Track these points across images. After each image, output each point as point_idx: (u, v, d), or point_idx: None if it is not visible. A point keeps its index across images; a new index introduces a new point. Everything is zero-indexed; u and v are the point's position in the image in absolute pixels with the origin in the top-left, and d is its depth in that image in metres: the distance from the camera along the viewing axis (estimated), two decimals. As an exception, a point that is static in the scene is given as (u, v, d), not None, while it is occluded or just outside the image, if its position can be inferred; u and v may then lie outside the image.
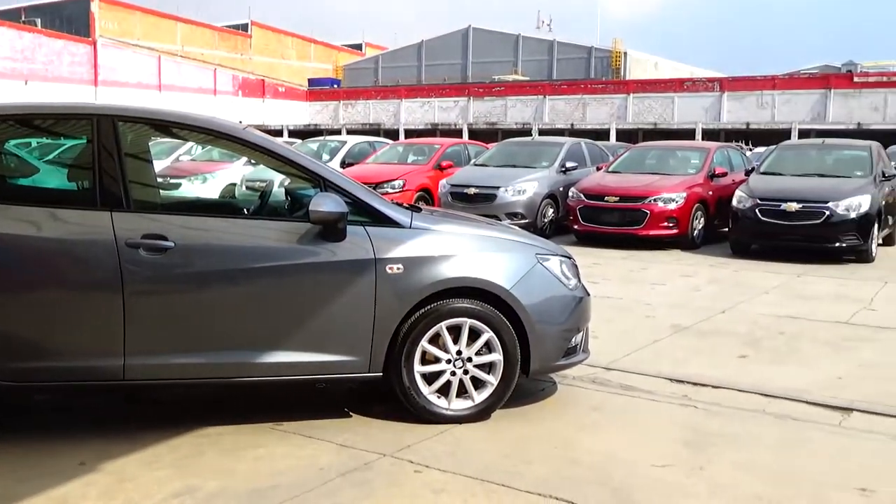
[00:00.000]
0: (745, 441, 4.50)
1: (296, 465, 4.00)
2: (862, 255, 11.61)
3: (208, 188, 14.15)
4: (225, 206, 6.32)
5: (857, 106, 42.94)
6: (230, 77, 58.81)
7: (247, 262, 4.28)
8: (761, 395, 5.32)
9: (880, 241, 12.37)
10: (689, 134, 37.77)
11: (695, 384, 5.52)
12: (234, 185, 14.03)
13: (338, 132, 40.88)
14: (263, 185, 5.58)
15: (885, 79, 44.07)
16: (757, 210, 11.84)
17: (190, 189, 13.67)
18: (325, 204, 4.27)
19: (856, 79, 45.02)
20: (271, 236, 4.37)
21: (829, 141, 14.74)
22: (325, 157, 18.17)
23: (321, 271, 4.35)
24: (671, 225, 12.63)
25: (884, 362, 6.23)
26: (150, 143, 5.10)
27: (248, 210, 5.00)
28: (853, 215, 11.40)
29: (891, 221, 12.97)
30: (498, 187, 13.98)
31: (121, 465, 3.95)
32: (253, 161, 8.39)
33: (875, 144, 13.50)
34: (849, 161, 13.10)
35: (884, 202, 12.11)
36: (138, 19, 57.91)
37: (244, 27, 66.68)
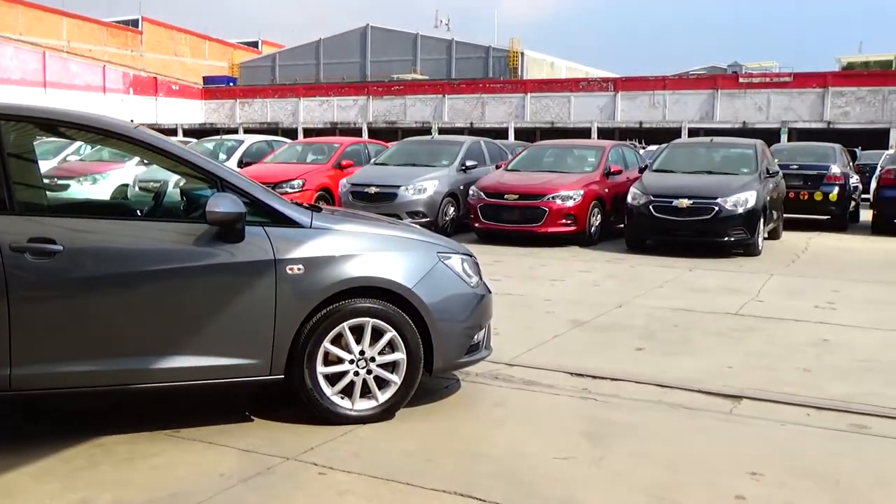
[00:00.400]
0: (643, 431, 4.63)
1: (195, 473, 3.90)
2: (749, 249, 12.10)
3: (99, 189, 13.64)
4: (117, 208, 6.10)
5: (743, 105, 44.81)
6: (120, 74, 56.95)
7: (141, 266, 4.15)
8: (657, 385, 5.48)
9: (766, 235, 12.91)
10: (585, 132, 38.65)
11: (594, 377, 5.64)
12: (127, 185, 13.56)
13: (235, 131, 40.14)
14: (157, 185, 5.43)
15: (767, 79, 46.13)
16: (651, 206, 12.20)
17: (79, 190, 13.17)
18: (222, 204, 4.17)
19: (741, 79, 46.97)
20: (166, 238, 4.25)
21: (716, 139, 15.30)
22: (222, 156, 17.78)
23: (219, 273, 4.25)
24: (569, 222, 12.89)
25: (770, 351, 6.51)
26: (35, 143, 4.89)
27: (141, 211, 4.85)
28: (740, 210, 11.87)
29: (775, 216, 13.57)
30: (399, 186, 13.97)
31: (9, 480, 3.77)
32: (146, 161, 8.14)
33: (759, 143, 14.11)
34: (735, 159, 13.65)
35: (768, 198, 12.65)
36: (21, 13, 55.44)
37: (135, 23, 64.69)
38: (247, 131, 38.11)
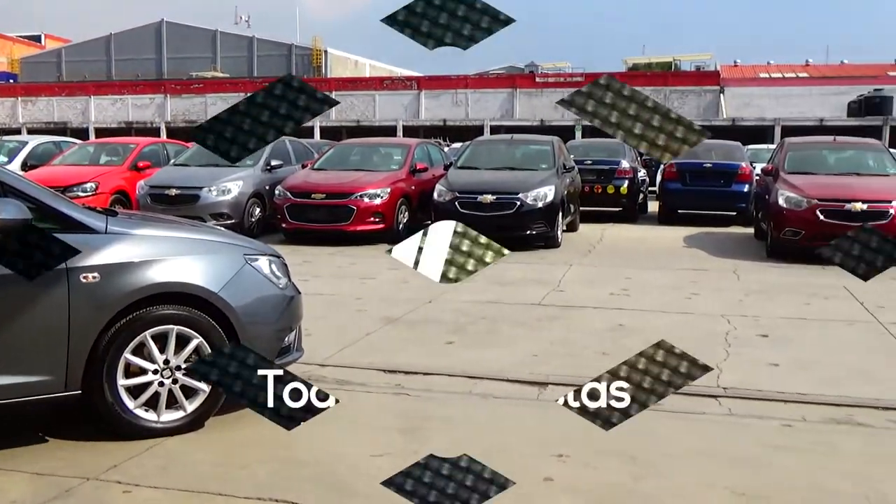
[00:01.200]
0: (456, 422, 4.73)
1: (-17, 502, 3.60)
2: (550, 241, 12.66)
3: None
4: None
5: (540, 104, 46.70)
6: None
7: None
8: (468, 377, 5.62)
9: (565, 228, 13.55)
10: (390, 131, 38.96)
11: (407, 373, 5.71)
12: None
13: (17, 132, 37.32)
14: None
15: (562, 79, 48.33)
16: (456, 203, 12.48)
17: None
18: (4, 210, 3.85)
19: (537, 79, 49.00)
20: (-61, 249, 3.88)
21: (516, 136, 15.86)
22: (3, 158, 16.58)
23: (1, 285, 3.93)
24: (377, 220, 12.95)
25: (572, 338, 6.84)
26: None
27: None
28: (540, 205, 12.39)
29: (573, 209, 14.27)
30: (201, 188, 13.51)
31: None
32: (-87, 165, 7.41)
33: (556, 139, 14.77)
34: (534, 155, 14.21)
35: (566, 192, 13.28)
36: None
37: None
38: (31, 132, 35.60)
